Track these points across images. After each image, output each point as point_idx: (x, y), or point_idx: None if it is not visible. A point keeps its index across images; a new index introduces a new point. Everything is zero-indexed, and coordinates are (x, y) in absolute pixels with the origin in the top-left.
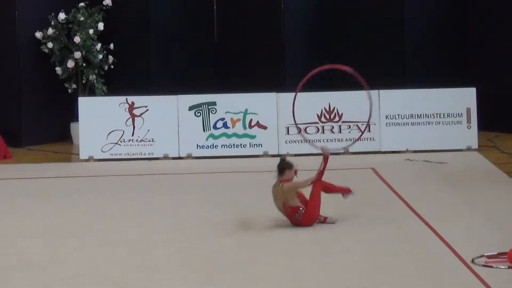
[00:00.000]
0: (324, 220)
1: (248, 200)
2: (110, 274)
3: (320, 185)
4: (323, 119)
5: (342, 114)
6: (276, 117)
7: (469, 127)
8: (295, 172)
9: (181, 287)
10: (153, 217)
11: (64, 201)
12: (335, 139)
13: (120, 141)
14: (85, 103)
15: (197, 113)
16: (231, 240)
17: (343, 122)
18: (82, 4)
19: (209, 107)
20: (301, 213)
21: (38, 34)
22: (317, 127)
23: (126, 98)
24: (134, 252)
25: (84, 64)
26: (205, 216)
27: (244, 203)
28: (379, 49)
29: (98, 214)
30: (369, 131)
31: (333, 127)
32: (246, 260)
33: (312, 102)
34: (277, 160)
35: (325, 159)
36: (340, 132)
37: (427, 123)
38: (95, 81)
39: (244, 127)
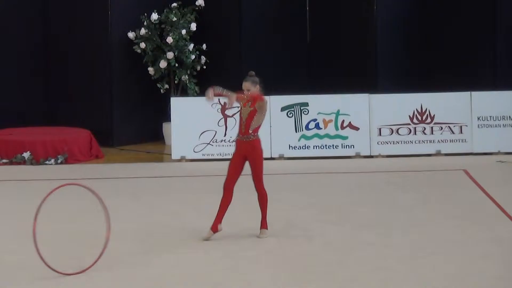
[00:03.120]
0: None
1: (340, 200)
2: (198, 273)
3: None
4: (415, 120)
5: (434, 115)
6: (368, 118)
7: None
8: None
9: (268, 284)
10: (243, 217)
11: (155, 201)
12: (427, 141)
13: (212, 142)
14: (177, 104)
15: (289, 113)
16: (321, 241)
17: (435, 123)
18: (174, 4)
19: (301, 108)
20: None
21: (131, 34)
22: (409, 128)
23: (219, 99)
24: (227, 252)
25: (176, 65)
26: (295, 216)
27: (336, 203)
28: (471, 51)
29: (190, 214)
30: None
31: (425, 129)
32: (336, 261)
33: (404, 103)
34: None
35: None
36: (432, 133)
37: None
38: (187, 82)
39: (336, 128)
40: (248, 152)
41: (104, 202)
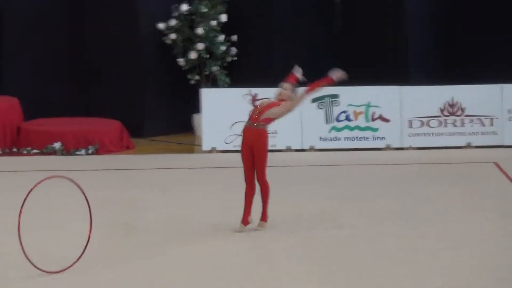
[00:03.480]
0: None
1: (368, 193)
2: (228, 265)
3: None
4: (445, 112)
5: (465, 108)
6: (399, 110)
7: None
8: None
9: (296, 276)
10: (271, 209)
11: (185, 192)
12: (457, 133)
13: None
14: (208, 95)
15: (320, 105)
16: (347, 233)
17: (465, 116)
18: None
19: (332, 100)
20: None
21: (161, 25)
22: (439, 120)
23: (249, 90)
24: (254, 244)
25: (207, 56)
26: (322, 208)
27: (365, 196)
28: (500, 44)
29: (220, 205)
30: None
31: (455, 121)
32: (362, 253)
33: (434, 96)
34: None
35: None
36: (463, 125)
37: None
38: (218, 73)
39: (367, 120)
40: (253, 141)
41: (87, 196)
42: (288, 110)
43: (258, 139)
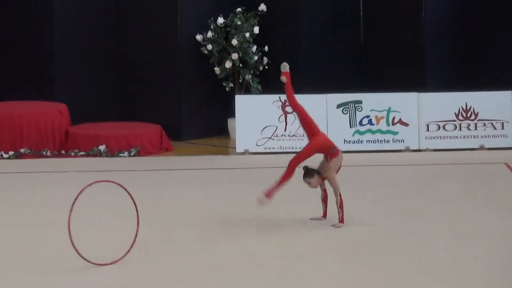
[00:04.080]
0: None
1: (388, 191)
2: (258, 262)
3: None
4: (460, 117)
5: (478, 112)
6: (417, 115)
7: None
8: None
9: (317, 270)
10: (295, 207)
11: (220, 190)
12: (471, 136)
13: (274, 136)
14: (241, 101)
15: (344, 110)
16: (370, 230)
17: (478, 120)
18: (239, 9)
19: (356, 105)
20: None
21: (199, 37)
22: (454, 124)
23: (279, 96)
24: (281, 240)
25: (240, 65)
26: (346, 206)
27: (385, 194)
28: (500, 46)
29: (251, 202)
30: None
31: (469, 125)
32: (385, 249)
33: (450, 102)
34: None
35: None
36: (476, 129)
37: None
38: (250, 81)
39: (388, 124)
40: (316, 140)
41: (134, 199)
42: (333, 177)
43: (319, 142)
